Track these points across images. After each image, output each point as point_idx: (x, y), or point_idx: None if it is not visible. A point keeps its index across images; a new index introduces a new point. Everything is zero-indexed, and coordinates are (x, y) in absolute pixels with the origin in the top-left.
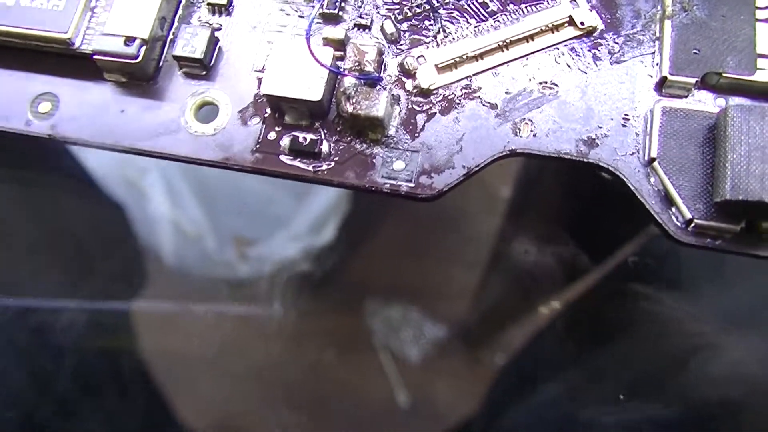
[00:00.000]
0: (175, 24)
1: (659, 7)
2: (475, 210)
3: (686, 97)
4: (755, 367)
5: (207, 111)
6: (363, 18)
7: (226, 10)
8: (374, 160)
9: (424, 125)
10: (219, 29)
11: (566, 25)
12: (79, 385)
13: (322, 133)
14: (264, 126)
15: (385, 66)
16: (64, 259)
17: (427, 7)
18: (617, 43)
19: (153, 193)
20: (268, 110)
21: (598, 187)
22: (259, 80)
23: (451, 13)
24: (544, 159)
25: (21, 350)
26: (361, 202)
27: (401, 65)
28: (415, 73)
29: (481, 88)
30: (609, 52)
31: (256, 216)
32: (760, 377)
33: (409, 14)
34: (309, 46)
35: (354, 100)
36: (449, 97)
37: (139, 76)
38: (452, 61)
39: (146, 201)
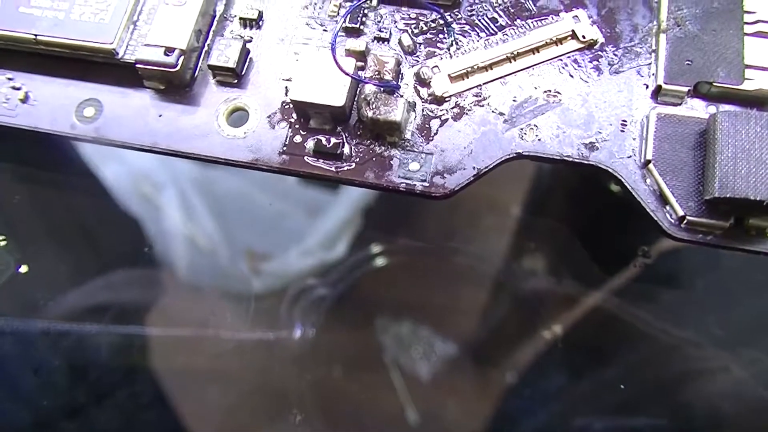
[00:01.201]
0: (210, 36)
1: (655, 23)
2: (486, 228)
3: (680, 104)
4: (751, 385)
5: (238, 116)
6: (382, 32)
7: (256, 24)
8: (392, 162)
9: (437, 130)
10: (250, 41)
11: (569, 38)
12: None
13: (344, 136)
14: (290, 130)
15: (402, 75)
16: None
17: (441, 21)
18: (616, 55)
19: (168, 208)
20: (294, 115)
21: (608, 205)
22: (287, 88)
23: (463, 27)
24: (548, 161)
25: (41, 366)
26: (372, 219)
27: (417, 74)
28: (429, 81)
29: (490, 95)
30: (609, 63)
31: (268, 231)
32: (756, 394)
33: (425, 28)
34: (334, 56)
35: (374, 106)
36: (461, 104)
37: (177, 84)
38: (464, 71)
39: (161, 216)
